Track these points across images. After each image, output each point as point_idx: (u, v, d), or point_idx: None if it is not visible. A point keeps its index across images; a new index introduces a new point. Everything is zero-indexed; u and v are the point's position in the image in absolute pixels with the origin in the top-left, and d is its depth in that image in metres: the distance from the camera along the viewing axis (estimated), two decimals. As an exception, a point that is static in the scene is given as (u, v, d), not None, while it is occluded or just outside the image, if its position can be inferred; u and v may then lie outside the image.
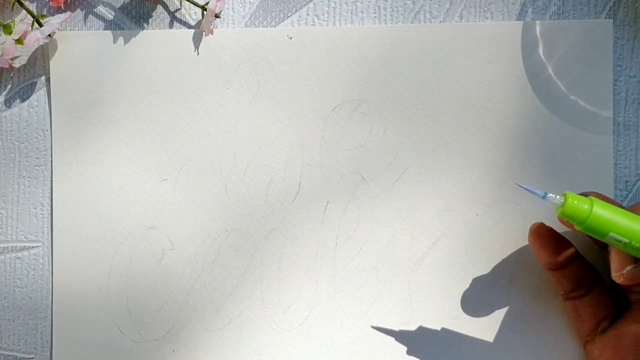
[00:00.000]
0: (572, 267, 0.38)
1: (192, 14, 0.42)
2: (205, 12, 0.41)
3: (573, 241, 0.38)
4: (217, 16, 0.41)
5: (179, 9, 0.42)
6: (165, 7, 0.42)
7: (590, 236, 0.35)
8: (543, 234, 0.38)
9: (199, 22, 0.42)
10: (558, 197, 0.34)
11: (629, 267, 0.35)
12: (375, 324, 0.41)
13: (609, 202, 0.35)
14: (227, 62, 0.42)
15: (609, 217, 0.34)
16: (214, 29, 0.42)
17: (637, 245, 0.34)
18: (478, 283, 0.41)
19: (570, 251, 0.38)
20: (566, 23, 0.41)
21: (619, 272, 0.35)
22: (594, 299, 0.38)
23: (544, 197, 0.34)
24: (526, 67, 0.41)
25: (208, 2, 0.41)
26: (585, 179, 0.41)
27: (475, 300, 0.41)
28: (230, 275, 0.41)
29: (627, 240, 0.34)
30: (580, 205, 0.34)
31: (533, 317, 0.41)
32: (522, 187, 0.35)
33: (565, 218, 0.34)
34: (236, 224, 0.42)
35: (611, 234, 0.34)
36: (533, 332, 0.41)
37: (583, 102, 0.41)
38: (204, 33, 0.41)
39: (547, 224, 0.38)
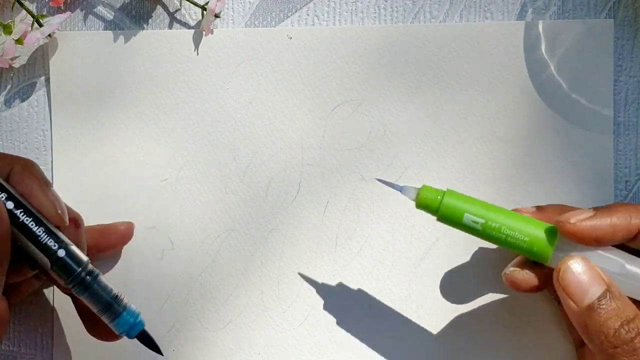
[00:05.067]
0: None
1: (192, 14, 0.42)
2: (205, 12, 0.41)
3: None
4: (217, 16, 0.41)
5: (179, 10, 0.42)
6: (165, 7, 0.42)
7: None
8: (518, 281, 0.37)
9: (199, 22, 0.42)
10: (413, 190, 0.36)
11: (511, 269, 0.36)
12: (375, 324, 0.41)
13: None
14: (227, 62, 0.42)
15: (461, 203, 0.35)
16: (214, 29, 0.42)
17: (494, 225, 0.34)
18: (478, 282, 0.41)
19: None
20: (568, 22, 0.41)
21: (503, 272, 0.36)
22: None
23: (401, 191, 0.36)
24: (528, 65, 0.41)
25: (208, 2, 0.41)
26: (585, 179, 0.41)
27: (475, 300, 0.41)
28: (230, 275, 0.41)
29: (484, 221, 0.34)
30: (433, 195, 0.35)
31: (533, 317, 0.41)
32: (381, 181, 0.37)
33: (421, 209, 0.35)
34: (236, 224, 0.42)
35: (466, 215, 0.35)
36: (533, 331, 0.41)
37: (584, 101, 0.41)
38: (204, 33, 0.41)
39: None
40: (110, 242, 0.41)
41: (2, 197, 0.33)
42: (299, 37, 0.42)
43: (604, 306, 0.33)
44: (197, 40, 0.42)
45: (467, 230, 0.35)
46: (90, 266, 0.35)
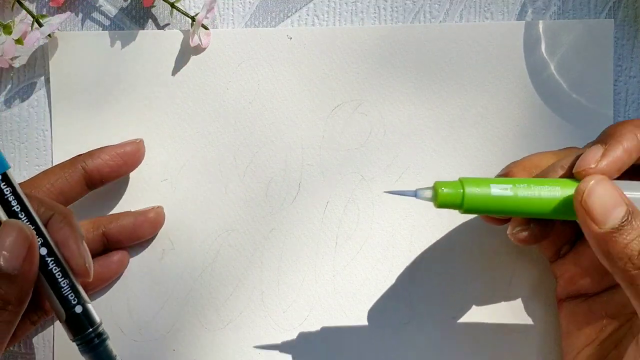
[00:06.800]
0: None
1: (192, 13, 0.42)
2: (194, 22, 0.40)
3: None
4: (205, 27, 0.41)
5: (179, 9, 0.42)
6: (165, 7, 0.42)
7: None
8: (526, 238, 0.36)
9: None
10: (428, 191, 0.33)
11: (517, 228, 0.35)
12: (375, 324, 0.41)
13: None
14: (227, 62, 0.42)
15: (481, 181, 0.33)
16: (202, 38, 0.41)
17: (522, 185, 0.33)
18: (478, 283, 0.41)
19: None
20: (568, 22, 0.41)
21: (509, 232, 0.35)
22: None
23: (416, 196, 0.33)
24: (528, 65, 0.41)
25: (198, 13, 0.40)
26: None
27: (475, 300, 0.41)
28: (230, 275, 0.41)
29: (512, 185, 0.33)
30: (450, 184, 0.33)
31: (533, 317, 0.41)
32: (391, 193, 0.34)
33: (443, 207, 0.33)
34: (236, 224, 0.42)
35: (492, 185, 0.32)
36: (533, 332, 0.41)
37: (584, 101, 0.41)
38: (190, 43, 0.41)
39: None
40: (141, 234, 0.41)
41: (39, 241, 0.34)
42: (299, 37, 0.42)
43: (627, 227, 0.32)
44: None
45: (497, 206, 0.33)
46: (101, 328, 0.36)
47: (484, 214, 0.34)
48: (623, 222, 0.32)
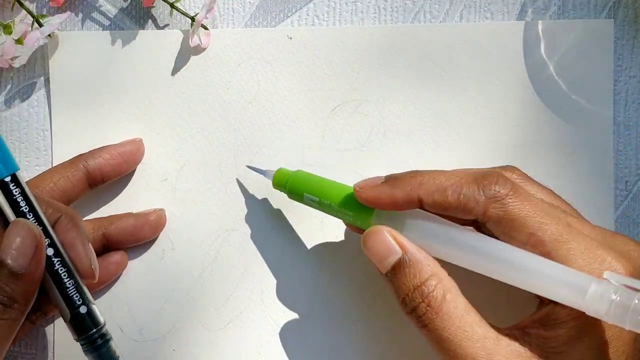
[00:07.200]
0: None
1: (191, 13, 0.42)
2: (194, 23, 0.41)
3: None
4: (204, 27, 0.41)
5: (179, 9, 0.42)
6: (165, 7, 0.42)
7: None
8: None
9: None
10: (272, 173, 0.39)
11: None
12: (375, 324, 0.41)
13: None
14: (227, 62, 0.42)
15: (303, 183, 0.38)
16: (200, 37, 0.41)
17: (326, 202, 0.36)
18: (479, 283, 0.41)
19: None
20: (568, 22, 0.41)
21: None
22: None
23: (264, 174, 0.40)
24: (527, 65, 0.41)
25: (198, 13, 0.40)
26: (585, 179, 0.41)
27: (476, 301, 0.41)
28: (230, 275, 0.41)
29: (318, 199, 0.37)
30: (285, 175, 0.38)
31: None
32: (250, 167, 0.41)
33: (276, 188, 0.39)
34: (236, 224, 0.42)
35: (305, 194, 0.37)
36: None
37: (584, 101, 0.41)
38: (190, 43, 0.41)
39: None
40: (141, 236, 0.41)
41: (46, 242, 0.35)
42: (299, 37, 0.42)
43: (397, 275, 0.34)
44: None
45: (312, 206, 0.38)
46: (104, 329, 0.36)
47: (305, 204, 0.38)
48: (394, 269, 0.34)
